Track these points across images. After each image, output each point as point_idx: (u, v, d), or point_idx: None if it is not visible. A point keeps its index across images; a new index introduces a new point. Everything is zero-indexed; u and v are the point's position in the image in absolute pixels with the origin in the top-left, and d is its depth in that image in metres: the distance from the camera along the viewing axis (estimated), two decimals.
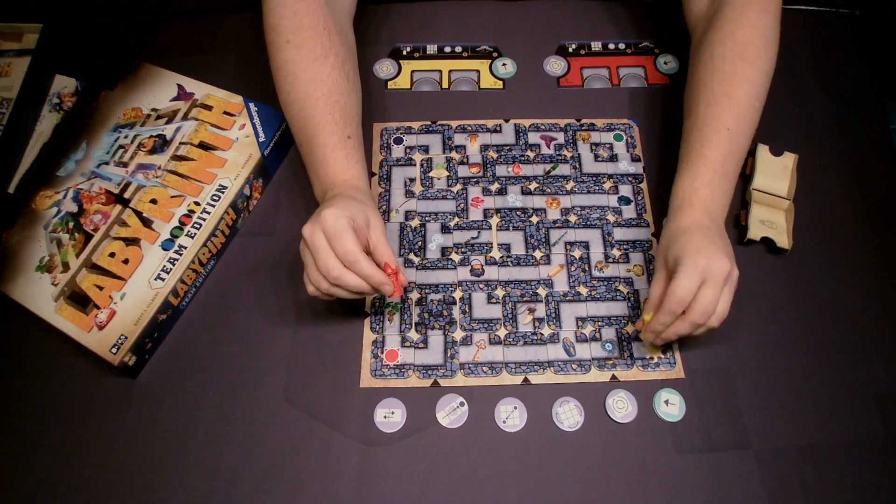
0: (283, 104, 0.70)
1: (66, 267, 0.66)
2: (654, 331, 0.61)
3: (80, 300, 0.64)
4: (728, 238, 0.63)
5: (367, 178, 0.68)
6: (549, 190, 0.75)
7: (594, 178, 0.75)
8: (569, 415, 0.63)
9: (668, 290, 0.58)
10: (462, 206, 0.74)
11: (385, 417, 0.63)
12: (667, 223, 0.65)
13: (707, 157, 0.64)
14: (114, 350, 0.62)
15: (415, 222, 0.73)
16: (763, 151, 0.75)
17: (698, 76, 0.68)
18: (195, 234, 0.68)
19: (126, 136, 0.74)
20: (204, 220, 0.68)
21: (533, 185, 0.75)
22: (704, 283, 0.58)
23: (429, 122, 0.79)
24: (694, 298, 0.58)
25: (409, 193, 0.75)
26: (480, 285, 0.69)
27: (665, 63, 0.84)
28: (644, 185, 0.75)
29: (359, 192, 0.64)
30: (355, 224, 0.58)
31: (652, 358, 0.65)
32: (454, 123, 0.79)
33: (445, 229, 0.73)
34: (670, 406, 0.63)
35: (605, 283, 0.69)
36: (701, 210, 0.63)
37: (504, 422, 0.62)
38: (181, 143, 0.73)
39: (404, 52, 0.85)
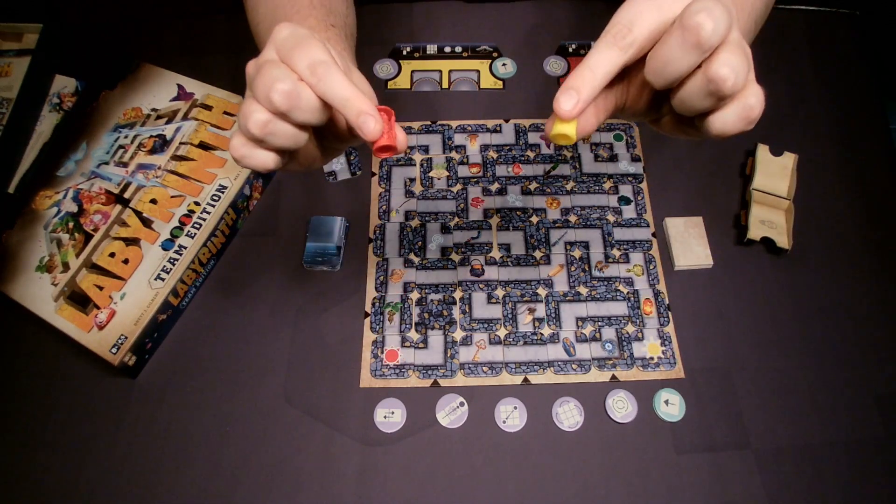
0: (248, 10, 0.56)
1: (66, 267, 0.66)
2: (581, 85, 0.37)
3: (80, 300, 0.64)
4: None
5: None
6: (549, 190, 0.75)
7: (594, 178, 0.75)
8: (569, 415, 0.63)
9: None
10: (462, 206, 0.74)
11: (385, 417, 0.63)
12: None
13: None
14: (114, 350, 0.62)
15: (415, 222, 0.73)
16: (763, 151, 0.75)
17: None
18: (195, 234, 0.68)
19: (126, 136, 0.74)
20: (204, 220, 0.68)
21: (533, 185, 0.75)
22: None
23: (429, 122, 0.79)
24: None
25: (409, 193, 0.75)
26: (480, 285, 0.69)
27: None
28: (644, 185, 0.75)
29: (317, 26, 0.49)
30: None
31: (652, 358, 0.65)
32: (454, 123, 0.79)
33: (445, 229, 0.73)
34: (670, 406, 0.63)
35: (605, 283, 0.69)
36: None
37: (504, 422, 0.62)
38: (181, 143, 0.73)
39: (404, 52, 0.85)
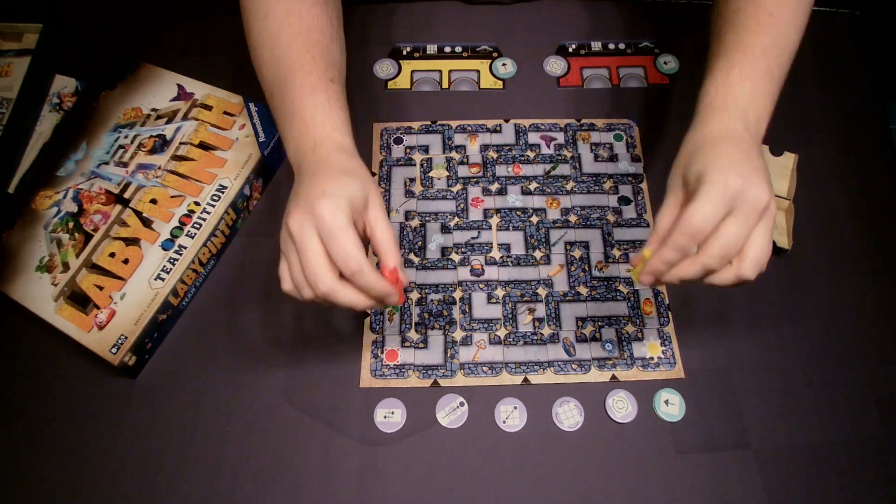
0: (252, 48, 0.59)
1: (66, 267, 0.66)
2: (654, 271, 0.47)
3: (80, 300, 0.64)
4: (765, 160, 0.50)
5: (351, 132, 0.55)
6: (549, 190, 0.75)
7: (594, 178, 0.75)
8: (569, 415, 0.63)
9: (681, 217, 0.45)
10: (462, 206, 0.74)
11: (385, 417, 0.63)
12: (690, 133, 0.51)
13: (746, 44, 0.51)
14: (114, 350, 0.62)
15: (415, 222, 0.73)
16: (763, 151, 0.75)
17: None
18: (195, 234, 0.68)
19: (126, 136, 0.74)
20: (204, 220, 0.68)
21: (533, 185, 0.75)
22: (731, 212, 0.44)
23: (429, 122, 0.79)
24: (715, 231, 0.44)
25: (409, 193, 0.75)
26: (480, 285, 0.69)
27: (665, 63, 0.84)
28: (644, 185, 0.75)
29: (348, 157, 0.52)
30: (354, 212, 0.48)
31: (652, 358, 0.65)
32: (454, 123, 0.79)
33: (445, 229, 0.73)
34: (670, 406, 0.63)
35: (605, 283, 0.69)
36: (736, 113, 0.49)
37: (504, 422, 0.62)
38: (181, 143, 0.73)
39: (404, 52, 0.85)
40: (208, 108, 0.75)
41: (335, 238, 0.46)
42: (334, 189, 0.48)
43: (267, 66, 0.58)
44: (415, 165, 0.76)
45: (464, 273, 0.70)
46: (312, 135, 0.53)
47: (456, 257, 0.71)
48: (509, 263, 0.71)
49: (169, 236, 0.67)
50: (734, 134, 0.49)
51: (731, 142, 0.48)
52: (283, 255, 0.50)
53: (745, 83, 0.51)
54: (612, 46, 0.85)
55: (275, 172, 0.76)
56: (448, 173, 0.76)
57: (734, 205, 0.44)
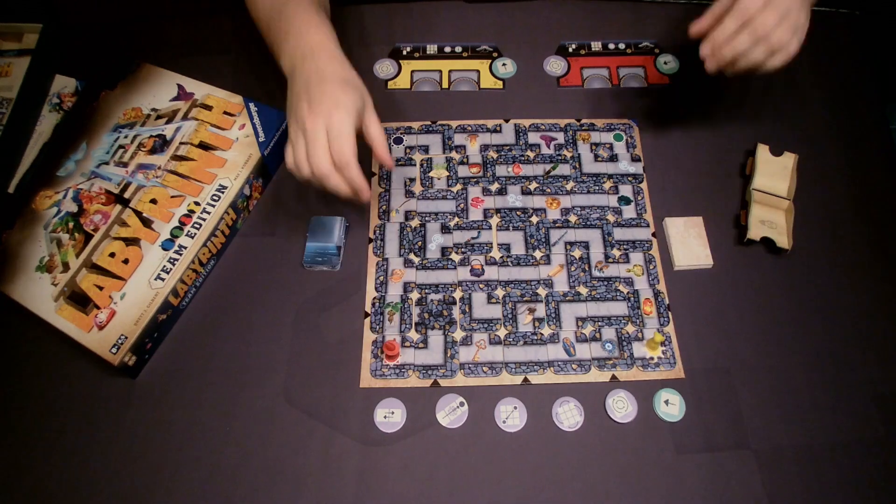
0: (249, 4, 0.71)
1: (66, 267, 0.66)
2: (716, 42, 0.60)
3: (80, 300, 0.64)
4: None
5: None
6: (549, 190, 0.75)
7: (594, 178, 0.75)
8: (569, 415, 0.63)
9: (739, 5, 0.59)
10: (462, 206, 0.74)
11: (385, 417, 0.63)
12: None
13: None
14: (114, 350, 0.62)
15: (415, 222, 0.73)
16: (763, 151, 0.75)
17: None
18: (195, 234, 0.68)
19: (126, 136, 0.74)
20: (204, 220, 0.68)
21: (533, 185, 0.75)
22: (769, 3, 0.58)
23: (429, 122, 0.79)
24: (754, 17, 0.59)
25: (409, 193, 0.75)
26: (480, 285, 0.69)
27: (665, 63, 0.84)
28: (644, 185, 0.75)
29: (341, 65, 0.64)
30: (357, 117, 0.61)
31: (652, 358, 0.65)
32: (454, 123, 0.79)
33: (445, 229, 0.73)
34: (670, 406, 0.63)
35: (605, 283, 0.69)
36: None
37: (504, 422, 0.62)
38: (181, 143, 0.73)
39: (404, 52, 0.85)
40: (208, 108, 0.75)
41: (339, 139, 0.59)
42: (346, 102, 0.60)
43: (261, 3, 0.69)
44: (415, 165, 0.76)
45: (464, 273, 0.70)
46: (308, 42, 0.64)
47: (456, 257, 0.71)
48: (509, 263, 0.71)
49: (169, 236, 0.67)
50: None
51: None
52: (290, 140, 0.62)
53: None
54: (612, 46, 0.85)
55: (274, 172, 0.76)
56: (448, 173, 0.76)
57: None
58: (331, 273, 0.70)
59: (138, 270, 0.66)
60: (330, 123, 0.59)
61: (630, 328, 0.67)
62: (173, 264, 0.66)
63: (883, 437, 0.62)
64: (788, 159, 0.75)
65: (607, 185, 0.75)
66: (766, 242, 0.70)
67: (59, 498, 0.60)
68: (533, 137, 0.78)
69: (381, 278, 0.70)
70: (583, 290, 0.69)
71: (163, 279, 0.65)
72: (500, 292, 0.69)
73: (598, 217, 0.73)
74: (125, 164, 0.72)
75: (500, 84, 0.82)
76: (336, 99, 0.60)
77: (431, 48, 0.85)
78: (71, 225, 0.68)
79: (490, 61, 0.84)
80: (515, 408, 0.63)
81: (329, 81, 0.61)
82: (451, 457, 0.61)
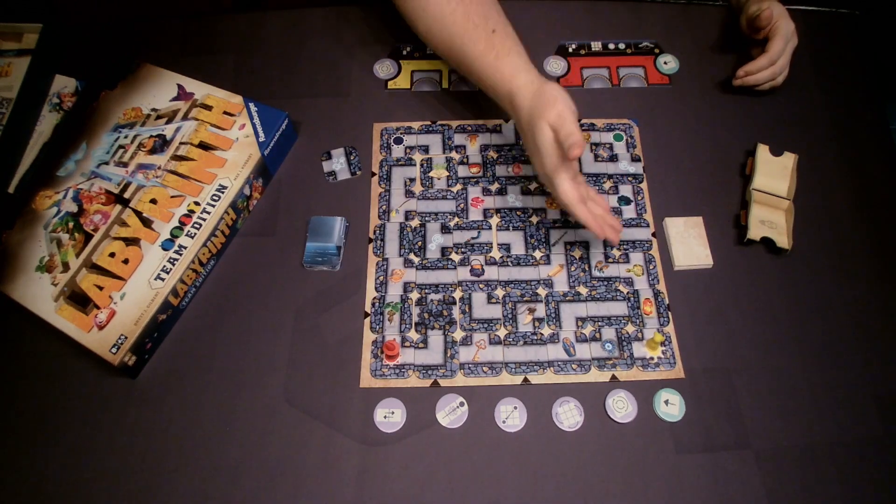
0: (423, 36, 0.71)
1: (66, 267, 0.66)
2: (749, 71, 0.77)
3: (80, 300, 0.64)
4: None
5: (527, 62, 0.68)
6: (549, 190, 0.75)
7: (594, 178, 0.75)
8: (569, 415, 0.63)
9: (770, 51, 0.75)
10: (462, 206, 0.74)
11: (385, 417, 0.63)
12: None
13: None
14: (114, 350, 0.62)
15: (415, 222, 0.73)
16: (763, 151, 0.75)
17: None
18: (195, 234, 0.68)
19: (126, 136, 0.74)
20: (204, 220, 0.68)
21: (533, 185, 0.75)
22: (787, 44, 0.76)
23: (429, 122, 0.79)
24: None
25: (409, 193, 0.75)
26: (480, 285, 0.69)
27: (665, 63, 0.84)
28: (644, 185, 0.75)
29: (534, 97, 0.64)
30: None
31: (652, 358, 0.65)
32: (454, 123, 0.79)
33: (445, 229, 0.73)
34: (670, 406, 0.63)
35: (605, 283, 0.69)
36: None
37: (504, 422, 0.62)
38: (181, 143, 0.73)
39: (404, 52, 0.85)
40: (208, 108, 0.75)
41: (551, 181, 0.66)
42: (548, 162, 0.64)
43: (440, 47, 0.71)
44: (415, 165, 0.76)
45: (464, 273, 0.70)
46: (502, 91, 0.67)
47: (456, 257, 0.71)
48: (509, 263, 0.71)
49: (169, 236, 0.67)
50: None
51: None
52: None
53: None
54: (612, 46, 0.85)
55: (274, 172, 0.76)
56: (448, 173, 0.76)
57: (788, 39, 0.76)
58: (331, 273, 0.70)
59: (138, 270, 0.66)
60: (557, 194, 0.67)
61: (630, 328, 0.67)
62: (173, 264, 0.66)
63: (883, 437, 0.62)
64: (788, 159, 0.75)
65: (607, 185, 0.75)
66: (766, 242, 0.70)
67: (59, 498, 0.60)
68: None
69: (381, 278, 0.70)
70: (583, 290, 0.69)
71: (163, 279, 0.65)
72: (500, 292, 0.69)
73: None
74: (125, 164, 0.72)
75: None
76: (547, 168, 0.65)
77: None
78: (71, 225, 0.68)
79: None
80: (515, 408, 0.63)
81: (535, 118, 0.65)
82: (451, 457, 0.61)
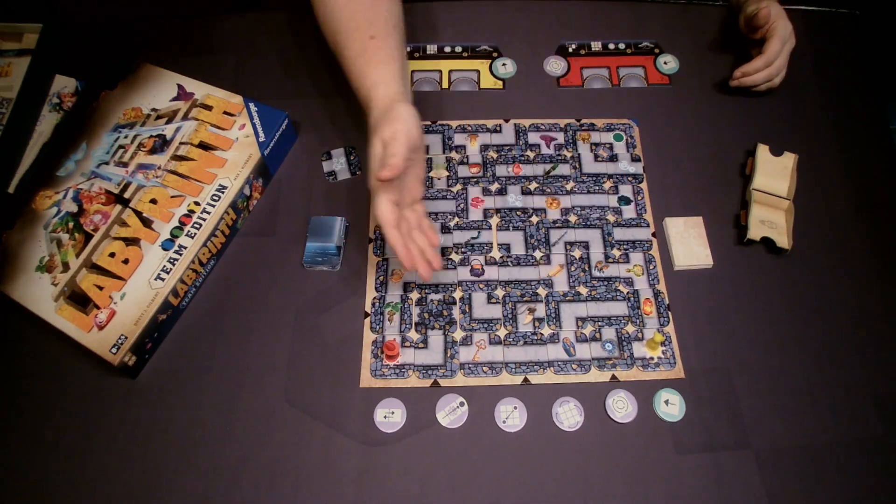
0: (321, 27, 0.72)
1: (66, 267, 0.66)
2: (746, 72, 0.78)
3: (80, 300, 0.64)
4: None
5: (394, 76, 0.66)
6: (549, 190, 0.75)
7: (594, 178, 0.75)
8: (569, 415, 0.63)
9: (767, 52, 0.76)
10: (462, 206, 0.74)
11: (385, 417, 0.63)
12: None
13: None
14: (114, 350, 0.62)
15: None
16: (763, 151, 0.75)
17: None
18: (195, 234, 0.68)
19: (126, 136, 0.74)
20: (204, 220, 0.68)
21: (533, 185, 0.75)
22: (785, 45, 0.77)
23: (429, 122, 0.79)
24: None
25: None
26: (480, 285, 0.69)
27: (665, 63, 0.84)
28: (644, 185, 0.75)
29: (383, 112, 0.63)
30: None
31: (652, 358, 0.65)
32: (454, 123, 0.79)
33: (445, 229, 0.73)
34: (670, 406, 0.63)
35: (605, 283, 0.69)
36: None
37: (504, 422, 0.62)
38: (181, 143, 0.73)
39: None
40: (208, 108, 0.75)
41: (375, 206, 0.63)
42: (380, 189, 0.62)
43: (328, 39, 0.71)
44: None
45: (464, 273, 0.70)
46: (362, 96, 0.67)
47: (456, 257, 0.71)
48: (509, 263, 0.71)
49: (169, 236, 0.67)
50: None
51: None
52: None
53: None
54: (612, 46, 0.85)
55: (274, 172, 0.76)
56: (448, 173, 0.76)
57: (786, 40, 0.77)
58: (331, 273, 0.70)
59: (138, 270, 0.66)
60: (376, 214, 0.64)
61: (630, 328, 0.67)
62: (173, 264, 0.66)
63: (882, 438, 0.62)
64: (788, 159, 0.75)
65: (607, 185, 0.75)
66: (766, 242, 0.70)
67: (60, 498, 0.60)
68: (533, 137, 0.78)
69: (381, 278, 0.70)
70: (583, 290, 0.69)
71: (163, 279, 0.65)
72: (500, 292, 0.69)
73: (598, 217, 0.73)
74: (125, 164, 0.72)
75: (500, 84, 0.82)
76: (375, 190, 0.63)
77: (431, 48, 0.85)
78: (71, 225, 0.68)
79: (490, 61, 0.84)
80: (515, 408, 0.63)
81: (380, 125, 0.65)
82: (451, 457, 0.61)
